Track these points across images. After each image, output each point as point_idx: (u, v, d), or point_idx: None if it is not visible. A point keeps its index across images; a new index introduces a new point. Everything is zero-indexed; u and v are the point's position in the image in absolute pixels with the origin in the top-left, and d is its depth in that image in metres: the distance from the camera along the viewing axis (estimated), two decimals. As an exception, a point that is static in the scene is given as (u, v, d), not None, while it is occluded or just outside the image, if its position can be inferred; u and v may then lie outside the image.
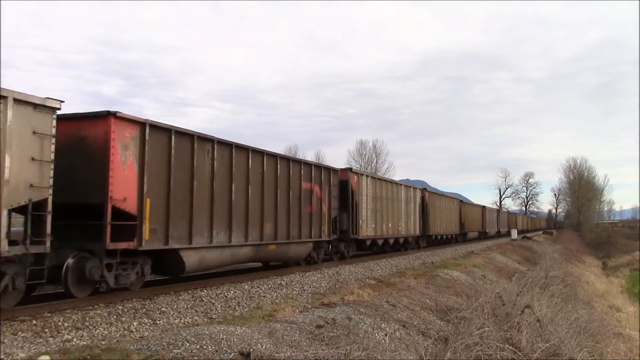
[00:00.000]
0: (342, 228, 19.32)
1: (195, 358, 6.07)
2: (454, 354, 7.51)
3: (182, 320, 8.55)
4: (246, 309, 9.71)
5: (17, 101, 7.82)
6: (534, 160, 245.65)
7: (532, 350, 8.27)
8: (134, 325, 7.88)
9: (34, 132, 8.10)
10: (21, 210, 8.04)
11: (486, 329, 8.46)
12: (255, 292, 11.53)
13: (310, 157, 70.13)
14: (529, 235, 63.89)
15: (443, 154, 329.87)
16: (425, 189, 32.76)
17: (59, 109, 8.51)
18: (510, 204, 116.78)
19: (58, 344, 6.63)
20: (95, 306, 8.92)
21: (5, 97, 7.66)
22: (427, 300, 12.25)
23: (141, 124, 9.92)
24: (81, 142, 9.36)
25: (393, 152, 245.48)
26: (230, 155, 12.57)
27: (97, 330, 7.43)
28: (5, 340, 6.48)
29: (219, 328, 7.18)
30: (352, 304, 10.27)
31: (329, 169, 18.42)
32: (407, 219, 27.27)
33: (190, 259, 11.13)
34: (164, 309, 9.09)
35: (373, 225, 22.26)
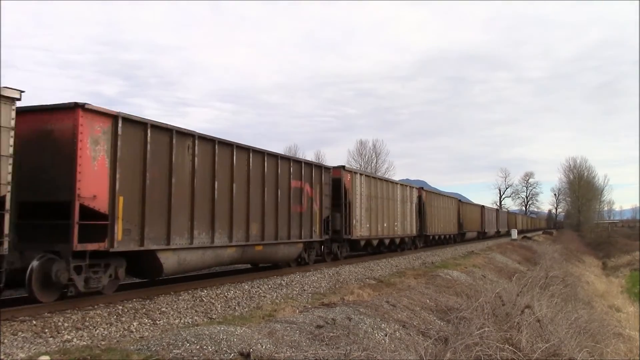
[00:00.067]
0: (334, 228, 18.69)
1: (195, 358, 6.07)
2: (454, 354, 7.51)
3: (182, 321, 8.55)
4: (246, 309, 9.71)
5: None
6: (534, 160, 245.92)
7: (532, 351, 8.27)
8: (134, 326, 7.88)
9: None
10: None
11: (486, 329, 8.46)
12: (255, 292, 11.53)
13: (310, 157, 70.15)
14: (529, 235, 63.94)
15: (443, 154, 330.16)
16: (423, 187, 32.19)
17: (19, 99, 7.97)
18: (510, 204, 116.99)
19: (58, 344, 6.63)
20: (95, 306, 8.92)
21: None
22: (427, 300, 12.25)
23: (113, 117, 9.35)
24: (48, 136, 8.82)
25: (393, 152, 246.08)
26: (213, 152, 11.97)
27: (97, 331, 7.43)
28: (5, 341, 6.47)
29: (219, 328, 7.18)
30: (352, 304, 10.27)
31: (320, 167, 17.83)
32: (403, 218, 26.73)
33: (169, 260, 10.55)
34: (164, 309, 9.09)
35: (367, 225, 21.65)
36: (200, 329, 7.07)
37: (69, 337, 6.97)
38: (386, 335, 8.46)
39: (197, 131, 11.59)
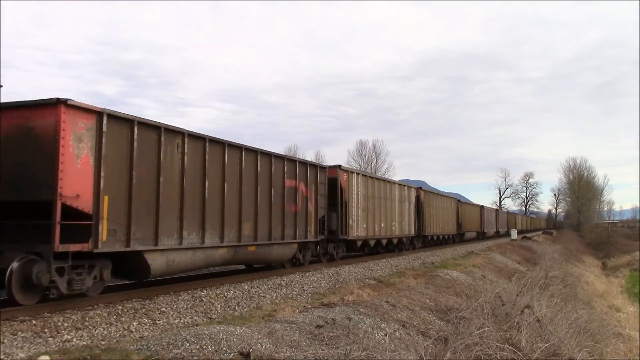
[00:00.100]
0: (330, 228, 18.28)
1: (195, 358, 6.07)
2: (454, 354, 7.51)
3: (181, 320, 8.55)
4: (246, 309, 9.71)
5: None
6: (534, 160, 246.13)
7: (531, 350, 8.28)
8: (133, 325, 7.88)
9: None
10: None
11: (486, 329, 8.47)
12: (255, 292, 11.53)
13: (310, 157, 70.18)
14: (528, 235, 63.93)
15: (443, 154, 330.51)
16: (421, 187, 31.93)
17: None
18: (510, 204, 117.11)
19: (58, 344, 6.63)
20: (95, 306, 8.92)
21: None
22: (427, 300, 12.25)
23: (98, 114, 9.06)
24: (29, 133, 8.52)
25: (393, 152, 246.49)
26: (203, 150, 11.65)
27: (97, 330, 7.43)
28: (5, 341, 6.47)
29: (218, 328, 7.18)
30: (351, 304, 10.27)
31: (315, 166, 17.44)
32: (401, 218, 26.45)
33: (157, 262, 10.24)
34: (163, 309, 9.09)
35: (364, 225, 21.35)
36: (200, 329, 7.07)
37: (68, 337, 6.97)
38: (386, 335, 8.46)
39: (187, 129, 11.27)
